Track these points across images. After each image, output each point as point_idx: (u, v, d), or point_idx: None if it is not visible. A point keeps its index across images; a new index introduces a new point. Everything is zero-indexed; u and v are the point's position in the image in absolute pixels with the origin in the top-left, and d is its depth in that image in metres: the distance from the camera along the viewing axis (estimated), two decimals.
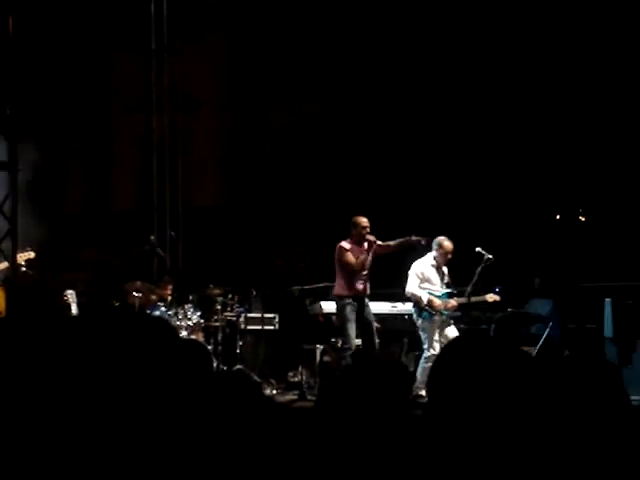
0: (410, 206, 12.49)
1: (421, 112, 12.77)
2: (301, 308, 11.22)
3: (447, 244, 9.57)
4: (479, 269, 9.69)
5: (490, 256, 9.82)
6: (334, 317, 10.06)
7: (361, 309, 9.48)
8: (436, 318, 9.46)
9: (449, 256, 9.59)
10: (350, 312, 9.37)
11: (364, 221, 9.42)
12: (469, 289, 9.65)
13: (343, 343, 9.51)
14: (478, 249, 9.90)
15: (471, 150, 12.75)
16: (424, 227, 10.35)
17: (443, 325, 9.51)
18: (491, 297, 9.72)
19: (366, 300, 9.60)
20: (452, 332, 9.42)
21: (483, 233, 11.28)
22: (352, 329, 9.38)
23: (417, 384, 9.15)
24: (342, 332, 9.53)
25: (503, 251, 10.26)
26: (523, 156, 12.48)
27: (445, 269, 9.69)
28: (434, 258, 9.61)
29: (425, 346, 9.37)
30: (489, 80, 12.59)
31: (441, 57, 12.66)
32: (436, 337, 9.40)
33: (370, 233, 9.40)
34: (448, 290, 9.61)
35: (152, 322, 3.43)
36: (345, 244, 9.41)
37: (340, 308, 9.50)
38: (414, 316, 9.63)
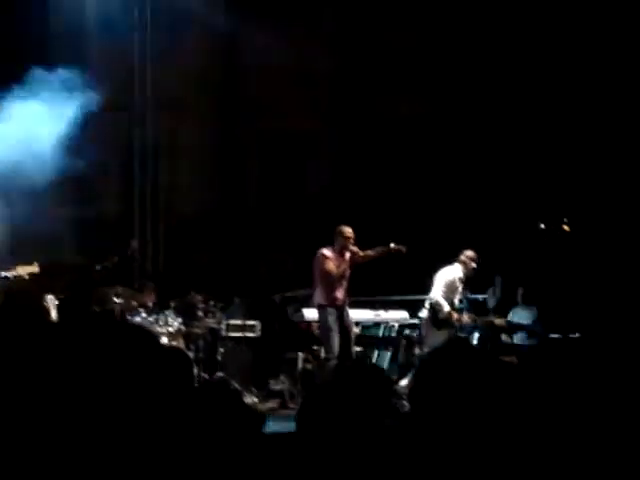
0: (394, 215, 12.47)
1: (404, 119, 12.76)
2: (283, 315, 11.17)
3: (476, 260, 9.65)
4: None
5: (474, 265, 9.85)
6: (316, 325, 10.03)
7: (341, 317, 9.45)
8: (449, 329, 9.49)
9: (474, 272, 9.69)
10: (333, 321, 9.36)
11: (349, 231, 9.40)
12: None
13: (326, 352, 9.49)
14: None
15: (456, 161, 12.74)
16: (407, 234, 10.34)
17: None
18: (499, 320, 9.80)
19: (346, 308, 9.57)
20: None
21: (467, 241, 11.26)
22: (335, 338, 9.35)
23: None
24: (325, 341, 9.51)
25: (487, 259, 10.26)
26: (508, 165, 12.49)
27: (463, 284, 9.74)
28: (462, 271, 9.64)
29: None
30: (474, 89, 12.60)
31: (423, 67, 12.67)
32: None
33: (354, 244, 9.39)
34: (463, 305, 9.65)
35: (133, 330, 3.36)
36: (326, 252, 9.38)
37: (323, 317, 9.46)
38: (425, 322, 9.58)
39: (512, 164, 12.45)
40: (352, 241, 9.39)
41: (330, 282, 9.36)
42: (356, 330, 10.16)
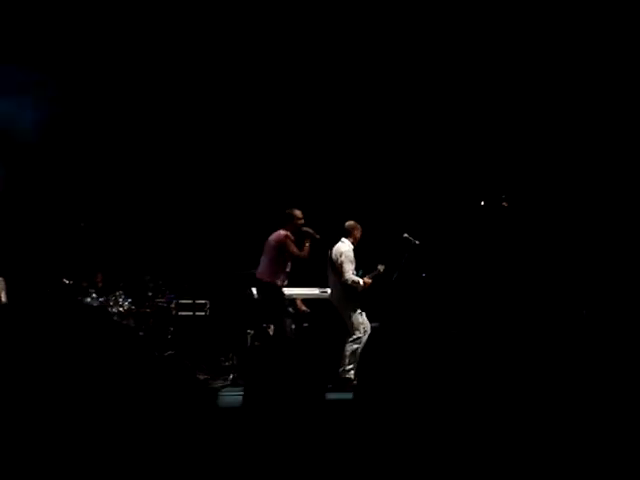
0: (335, 191, 12.69)
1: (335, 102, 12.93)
2: (232, 294, 11.33)
3: (359, 227, 9.85)
4: (406, 254, 9.97)
5: (417, 242, 10.10)
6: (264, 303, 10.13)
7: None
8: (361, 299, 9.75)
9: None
10: (284, 298, 9.55)
11: (300, 213, 9.60)
12: (395, 275, 9.92)
13: (280, 330, 9.57)
14: (405, 235, 10.16)
15: (402, 138, 12.96)
16: (351, 211, 10.56)
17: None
18: (380, 266, 9.97)
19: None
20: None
21: (408, 219, 11.53)
22: (289, 318, 9.59)
23: (345, 367, 9.39)
24: (278, 319, 9.59)
25: (429, 238, 10.51)
26: (445, 141, 12.74)
27: None
28: (352, 243, 9.84)
29: (359, 328, 9.56)
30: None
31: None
32: (362, 318, 9.64)
33: (304, 225, 9.58)
34: (360, 270, 9.91)
35: (85, 309, 3.52)
36: (289, 234, 9.53)
37: (278, 295, 9.57)
38: (343, 303, 9.78)
39: (450, 141, 12.71)
40: (303, 222, 9.59)
41: (288, 263, 9.53)
42: (305, 308, 10.39)
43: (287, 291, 9.85)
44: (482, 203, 10.75)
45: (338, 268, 9.71)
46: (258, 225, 10.88)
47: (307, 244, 9.49)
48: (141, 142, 12.60)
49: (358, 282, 9.68)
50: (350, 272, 9.70)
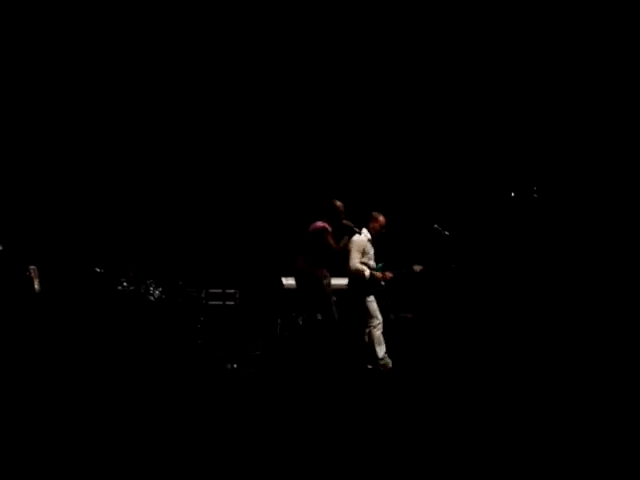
0: (364, 187, 12.71)
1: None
2: (262, 283, 11.38)
3: (382, 218, 9.88)
4: (437, 245, 9.99)
5: (447, 233, 10.10)
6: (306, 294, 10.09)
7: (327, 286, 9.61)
8: (374, 289, 9.75)
9: (383, 230, 9.86)
10: (323, 289, 9.44)
11: (341, 206, 9.53)
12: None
13: (310, 319, 9.59)
14: (436, 226, 10.17)
15: (424, 131, 12.96)
16: (375, 200, 10.56)
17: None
18: (418, 267, 9.97)
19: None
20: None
21: (436, 210, 11.53)
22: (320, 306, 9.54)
23: (379, 355, 9.46)
24: (310, 309, 9.54)
25: (457, 229, 10.51)
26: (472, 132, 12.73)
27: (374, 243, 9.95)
28: (370, 232, 9.85)
29: (371, 317, 9.59)
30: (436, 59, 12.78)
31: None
32: (375, 305, 9.67)
33: (346, 218, 9.54)
34: (381, 263, 9.89)
35: (121, 297, 3.57)
36: (328, 226, 9.45)
37: (315, 285, 9.44)
38: (352, 290, 9.80)
39: (477, 132, 12.69)
40: (344, 215, 9.52)
41: (326, 254, 9.47)
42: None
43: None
44: (513, 194, 10.75)
45: (347, 256, 9.75)
46: (290, 215, 10.92)
47: (346, 238, 9.50)
48: (170, 131, 12.69)
49: (363, 271, 9.66)
50: (355, 260, 9.69)
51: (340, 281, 10.78)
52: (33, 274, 9.73)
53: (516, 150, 12.51)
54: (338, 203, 9.53)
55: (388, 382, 9.03)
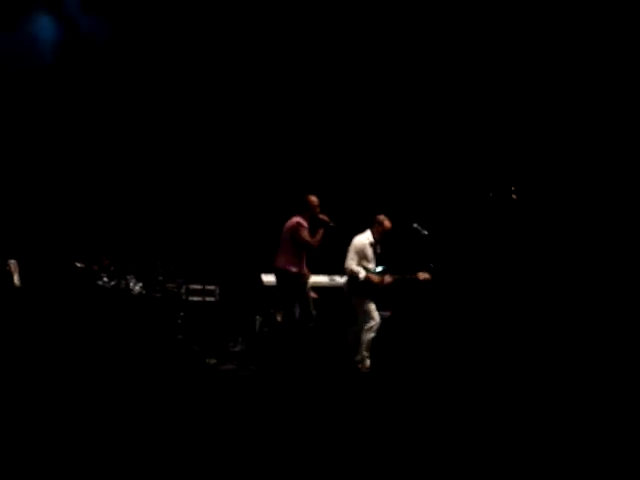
0: (350, 182, 12.76)
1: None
2: (241, 279, 11.44)
3: (387, 222, 9.89)
4: (415, 245, 10.05)
5: (426, 232, 10.16)
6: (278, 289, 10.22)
7: (305, 284, 9.66)
8: (371, 292, 9.77)
9: (387, 234, 9.91)
10: (301, 286, 9.53)
11: (316, 200, 9.58)
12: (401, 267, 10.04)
13: (289, 315, 9.66)
14: (415, 225, 10.23)
15: (408, 128, 13.04)
16: (361, 203, 10.62)
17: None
18: (422, 275, 10.03)
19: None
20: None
21: (416, 210, 11.60)
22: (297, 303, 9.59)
23: (362, 355, 9.50)
24: (289, 305, 9.59)
25: (435, 228, 10.57)
26: (452, 133, 12.81)
27: (378, 247, 9.99)
28: (372, 235, 9.89)
29: (365, 318, 9.61)
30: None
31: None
32: (373, 307, 9.69)
33: (321, 212, 9.58)
34: (382, 266, 9.92)
35: (100, 291, 3.62)
36: (302, 221, 9.50)
37: (292, 282, 9.54)
38: (349, 291, 9.87)
39: (455, 132, 12.78)
40: (319, 209, 9.57)
41: (303, 250, 9.53)
42: (313, 294, 10.45)
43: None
44: (491, 194, 10.82)
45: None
46: (272, 212, 10.96)
47: (320, 231, 9.53)
48: (156, 127, 12.70)
49: (357, 272, 9.70)
50: (351, 261, 9.75)
51: (321, 279, 10.88)
52: (12, 268, 9.74)
53: (495, 149, 12.60)
54: (312, 198, 9.57)
55: (367, 381, 9.09)
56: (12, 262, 9.85)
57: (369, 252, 9.84)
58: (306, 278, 9.56)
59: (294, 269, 9.50)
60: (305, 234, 9.47)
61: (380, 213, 9.93)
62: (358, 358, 9.54)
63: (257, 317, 10.69)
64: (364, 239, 9.84)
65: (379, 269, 9.87)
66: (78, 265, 10.12)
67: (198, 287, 11.03)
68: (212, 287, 11.17)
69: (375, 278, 9.76)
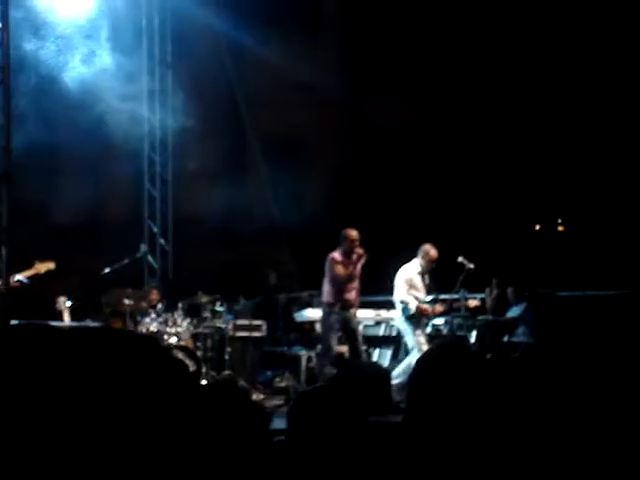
0: (395, 218, 12.76)
1: (401, 125, 13.01)
2: (288, 316, 11.48)
3: (433, 252, 9.86)
4: (461, 278, 9.99)
5: (472, 265, 10.11)
6: (318, 324, 10.32)
7: (348, 318, 9.69)
8: (423, 322, 9.76)
9: (434, 264, 9.87)
10: (335, 321, 9.58)
11: (354, 234, 9.58)
12: (452, 296, 9.98)
13: (323, 349, 9.74)
14: (460, 259, 10.18)
15: (453, 165, 13.00)
16: (410, 235, 10.60)
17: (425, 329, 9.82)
18: (473, 303, 9.99)
19: (352, 310, 9.79)
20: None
21: (464, 242, 11.54)
22: (334, 337, 9.63)
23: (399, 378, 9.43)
24: (323, 339, 9.78)
25: (484, 260, 10.50)
26: (503, 167, 12.73)
27: (427, 276, 9.96)
28: (420, 265, 9.87)
29: (414, 350, 9.56)
30: (471, 93, 12.86)
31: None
32: (423, 339, 9.65)
33: (359, 246, 9.59)
34: (432, 296, 9.90)
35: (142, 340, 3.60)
36: (336, 256, 9.57)
37: (325, 315, 9.72)
38: (400, 321, 9.87)
39: (508, 167, 12.70)
40: (357, 243, 9.56)
41: (339, 284, 9.57)
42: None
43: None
44: (537, 227, 10.77)
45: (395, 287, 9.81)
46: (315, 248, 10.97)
47: (357, 265, 9.55)
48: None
49: (407, 303, 9.70)
50: (401, 291, 9.74)
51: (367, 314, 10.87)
52: (62, 306, 9.85)
53: (540, 182, 12.52)
54: (350, 232, 9.59)
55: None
56: (62, 299, 9.94)
57: (418, 282, 9.82)
58: (334, 312, 9.58)
59: (330, 300, 9.60)
60: (336, 268, 9.51)
61: (426, 242, 9.92)
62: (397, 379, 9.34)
63: (302, 352, 10.70)
64: (412, 269, 9.83)
65: (429, 298, 9.85)
66: (126, 302, 10.18)
67: (245, 322, 11.07)
68: (259, 322, 11.20)
69: (427, 308, 9.74)
